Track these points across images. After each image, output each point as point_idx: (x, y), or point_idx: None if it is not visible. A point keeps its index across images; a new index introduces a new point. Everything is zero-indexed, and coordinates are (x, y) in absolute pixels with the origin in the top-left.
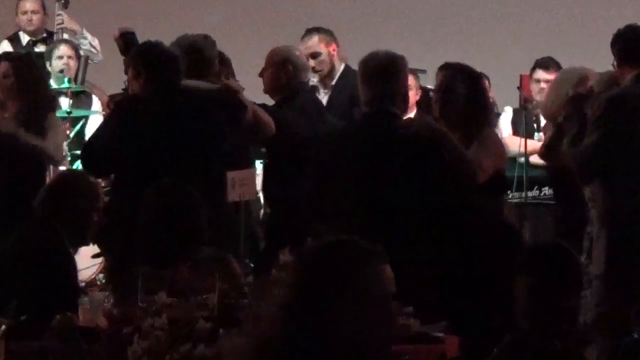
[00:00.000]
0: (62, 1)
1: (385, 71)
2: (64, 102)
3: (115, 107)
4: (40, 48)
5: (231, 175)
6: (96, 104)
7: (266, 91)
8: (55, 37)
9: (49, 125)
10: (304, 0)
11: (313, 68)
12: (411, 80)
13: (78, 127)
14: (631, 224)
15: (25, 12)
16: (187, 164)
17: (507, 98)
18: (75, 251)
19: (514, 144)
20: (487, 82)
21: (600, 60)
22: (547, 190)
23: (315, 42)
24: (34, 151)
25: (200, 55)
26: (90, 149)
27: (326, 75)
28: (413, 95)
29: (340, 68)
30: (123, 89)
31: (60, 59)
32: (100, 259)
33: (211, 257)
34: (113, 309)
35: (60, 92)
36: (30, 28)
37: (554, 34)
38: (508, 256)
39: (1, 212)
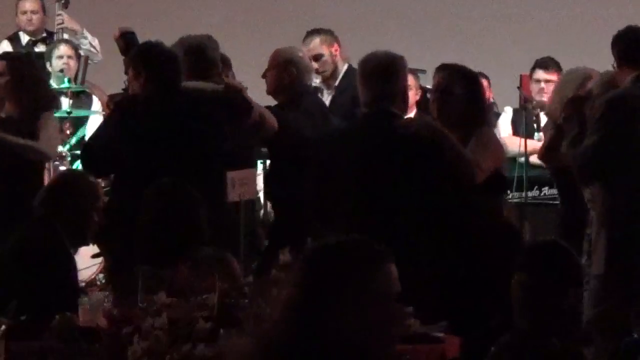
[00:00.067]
0: (62, 1)
1: (384, 71)
2: (64, 102)
3: (115, 107)
4: (40, 48)
5: (231, 175)
6: (96, 104)
7: (269, 92)
8: (55, 37)
9: (42, 124)
10: (304, 0)
11: (316, 70)
12: (411, 80)
13: (80, 133)
14: (631, 224)
15: (25, 12)
16: (187, 164)
17: (507, 98)
18: (75, 251)
19: (514, 144)
20: (487, 82)
21: (600, 61)
22: (547, 190)
23: (316, 44)
24: (23, 151)
25: (203, 55)
26: (90, 149)
27: (329, 76)
28: (413, 95)
29: (343, 68)
30: (123, 89)
31: (60, 59)
32: (100, 259)
33: (211, 257)
34: (113, 309)
35: (60, 92)
36: (30, 28)
37: (554, 34)
38: (508, 256)
39: (1, 212)
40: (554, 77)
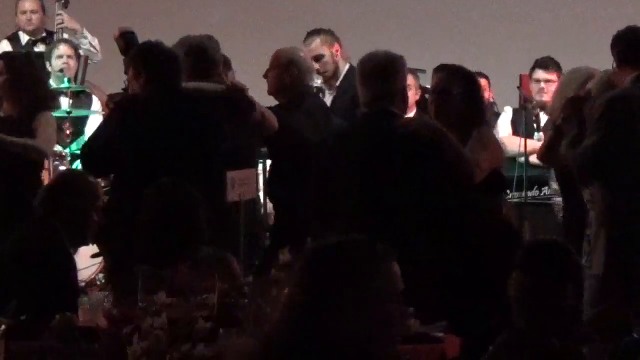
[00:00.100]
0: (62, 1)
1: (384, 71)
2: (64, 102)
3: (115, 107)
4: (40, 48)
5: (231, 175)
6: (96, 104)
7: (270, 93)
8: (55, 37)
9: (40, 123)
10: (304, 1)
11: (317, 71)
12: (411, 80)
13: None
14: (630, 224)
15: (24, 12)
16: (187, 164)
17: (507, 98)
18: (75, 251)
19: (513, 144)
20: (487, 81)
21: (600, 61)
22: (547, 190)
23: (317, 45)
24: (22, 150)
25: (204, 56)
26: (89, 149)
27: (331, 76)
28: (413, 95)
29: (345, 69)
30: (123, 89)
31: (60, 59)
32: (100, 259)
33: (211, 257)
34: (113, 309)
35: (60, 92)
36: (30, 28)
37: (554, 34)
38: (508, 256)
39: (1, 212)
40: (554, 77)
